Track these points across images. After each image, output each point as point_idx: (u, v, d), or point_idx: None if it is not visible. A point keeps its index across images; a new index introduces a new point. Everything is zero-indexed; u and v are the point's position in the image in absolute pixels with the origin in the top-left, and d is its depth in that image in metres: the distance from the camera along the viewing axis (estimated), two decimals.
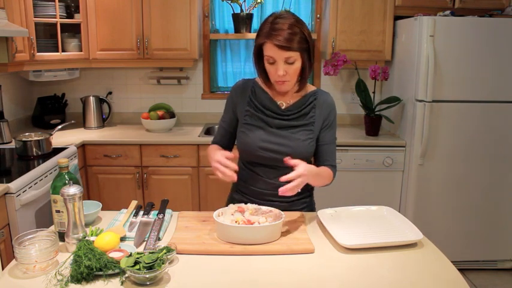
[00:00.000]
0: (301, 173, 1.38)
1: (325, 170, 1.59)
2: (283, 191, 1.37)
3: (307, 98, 1.62)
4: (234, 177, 1.44)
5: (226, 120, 1.70)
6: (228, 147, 1.72)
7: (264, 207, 1.47)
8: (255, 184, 1.65)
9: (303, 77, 1.55)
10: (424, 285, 1.17)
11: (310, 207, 1.75)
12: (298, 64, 1.49)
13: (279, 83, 1.52)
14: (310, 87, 1.67)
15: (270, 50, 1.46)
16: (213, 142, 1.74)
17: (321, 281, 1.18)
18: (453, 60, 2.73)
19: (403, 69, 3.03)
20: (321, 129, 1.62)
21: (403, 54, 3.03)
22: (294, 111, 1.60)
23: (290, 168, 1.60)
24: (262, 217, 1.40)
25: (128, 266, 1.12)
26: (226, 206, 1.72)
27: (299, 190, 1.40)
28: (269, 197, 1.63)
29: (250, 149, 1.60)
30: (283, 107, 1.61)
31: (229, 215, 1.42)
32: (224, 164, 1.44)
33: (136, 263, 1.14)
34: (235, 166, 1.45)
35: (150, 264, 1.12)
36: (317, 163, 1.65)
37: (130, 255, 1.17)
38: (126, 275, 1.15)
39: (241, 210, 1.45)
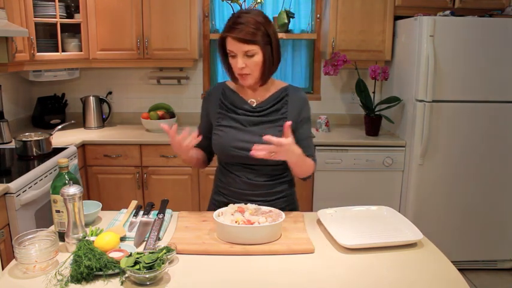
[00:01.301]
0: (282, 142, 1.38)
1: (306, 158, 1.59)
2: (253, 151, 1.38)
3: (278, 94, 1.64)
4: (188, 148, 1.49)
5: (203, 127, 1.72)
6: (207, 151, 1.73)
7: (264, 207, 1.47)
8: (235, 185, 1.64)
9: (265, 72, 1.55)
10: (424, 285, 1.17)
11: (292, 206, 1.72)
12: (258, 58, 1.50)
13: (241, 76, 1.54)
14: (281, 84, 1.68)
15: (229, 43, 1.50)
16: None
17: (321, 281, 1.18)
18: (453, 60, 2.73)
19: (403, 69, 3.03)
20: (296, 125, 1.62)
21: (403, 54, 3.03)
22: (265, 107, 1.62)
23: (268, 167, 1.61)
24: (262, 217, 1.40)
25: (127, 266, 1.12)
26: (208, 208, 1.73)
27: (267, 157, 1.39)
28: (249, 197, 1.62)
29: (224, 149, 1.61)
30: (254, 105, 1.63)
31: (229, 215, 1.42)
32: (178, 141, 1.47)
33: (136, 263, 1.14)
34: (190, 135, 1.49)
35: (150, 264, 1.12)
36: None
37: (130, 255, 1.17)
38: (126, 275, 1.15)
39: (241, 210, 1.45)
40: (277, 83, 1.68)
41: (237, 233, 1.34)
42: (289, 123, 1.43)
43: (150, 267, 1.12)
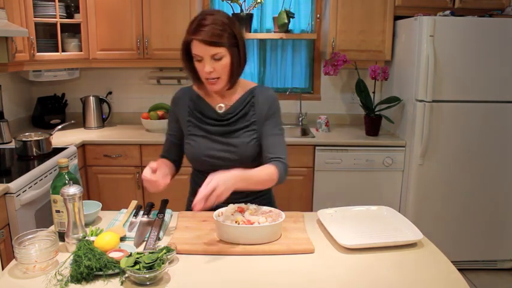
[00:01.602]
0: (210, 189, 1.27)
1: (261, 170, 1.47)
2: (194, 205, 1.27)
3: (244, 97, 1.59)
4: (160, 187, 1.40)
5: (172, 133, 1.68)
6: (176, 159, 1.68)
7: (264, 207, 1.47)
8: None
9: (233, 74, 1.50)
10: (424, 285, 1.17)
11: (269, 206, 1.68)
12: (226, 60, 1.45)
13: (209, 82, 1.49)
14: (250, 85, 1.63)
15: (196, 47, 1.43)
16: (161, 156, 1.69)
17: (321, 281, 1.18)
18: (453, 60, 2.73)
19: (403, 69, 3.03)
20: (264, 122, 1.57)
21: (403, 54, 3.03)
22: (233, 114, 1.58)
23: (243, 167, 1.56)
24: (262, 217, 1.40)
25: (128, 266, 1.12)
26: (186, 209, 1.72)
27: (216, 202, 1.28)
28: (227, 199, 1.59)
29: (197, 159, 1.60)
30: (222, 110, 1.58)
31: (229, 215, 1.42)
32: (149, 180, 1.38)
33: (136, 263, 1.14)
34: (158, 178, 1.39)
35: (150, 264, 1.12)
36: (261, 159, 1.57)
37: (130, 255, 1.17)
38: (126, 275, 1.15)
39: (241, 210, 1.45)
40: (245, 85, 1.62)
41: (237, 233, 1.34)
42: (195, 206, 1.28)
43: (150, 267, 1.12)
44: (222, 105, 1.59)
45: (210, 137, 1.58)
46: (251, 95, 1.59)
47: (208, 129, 1.59)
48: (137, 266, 1.12)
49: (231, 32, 1.45)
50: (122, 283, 1.14)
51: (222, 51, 1.43)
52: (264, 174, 1.47)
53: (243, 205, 1.48)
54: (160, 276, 1.16)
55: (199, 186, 1.62)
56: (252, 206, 1.47)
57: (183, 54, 1.50)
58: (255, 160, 1.60)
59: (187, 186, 2.95)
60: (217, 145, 1.57)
